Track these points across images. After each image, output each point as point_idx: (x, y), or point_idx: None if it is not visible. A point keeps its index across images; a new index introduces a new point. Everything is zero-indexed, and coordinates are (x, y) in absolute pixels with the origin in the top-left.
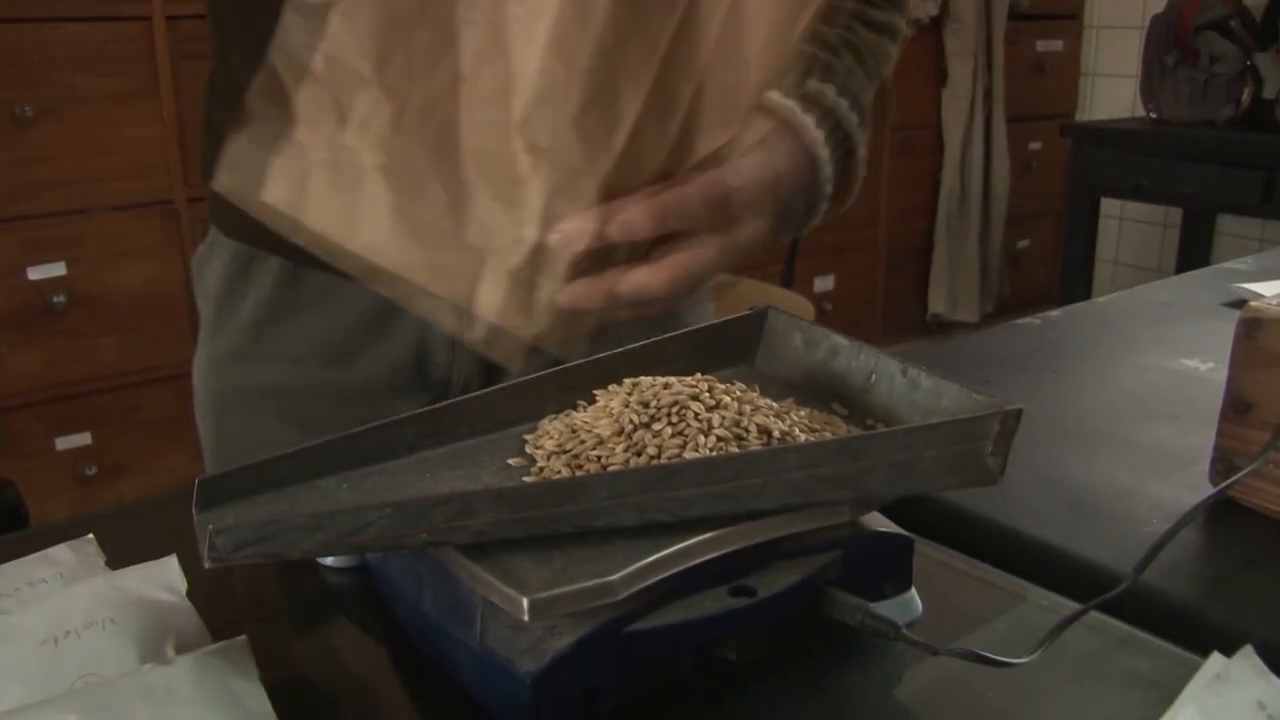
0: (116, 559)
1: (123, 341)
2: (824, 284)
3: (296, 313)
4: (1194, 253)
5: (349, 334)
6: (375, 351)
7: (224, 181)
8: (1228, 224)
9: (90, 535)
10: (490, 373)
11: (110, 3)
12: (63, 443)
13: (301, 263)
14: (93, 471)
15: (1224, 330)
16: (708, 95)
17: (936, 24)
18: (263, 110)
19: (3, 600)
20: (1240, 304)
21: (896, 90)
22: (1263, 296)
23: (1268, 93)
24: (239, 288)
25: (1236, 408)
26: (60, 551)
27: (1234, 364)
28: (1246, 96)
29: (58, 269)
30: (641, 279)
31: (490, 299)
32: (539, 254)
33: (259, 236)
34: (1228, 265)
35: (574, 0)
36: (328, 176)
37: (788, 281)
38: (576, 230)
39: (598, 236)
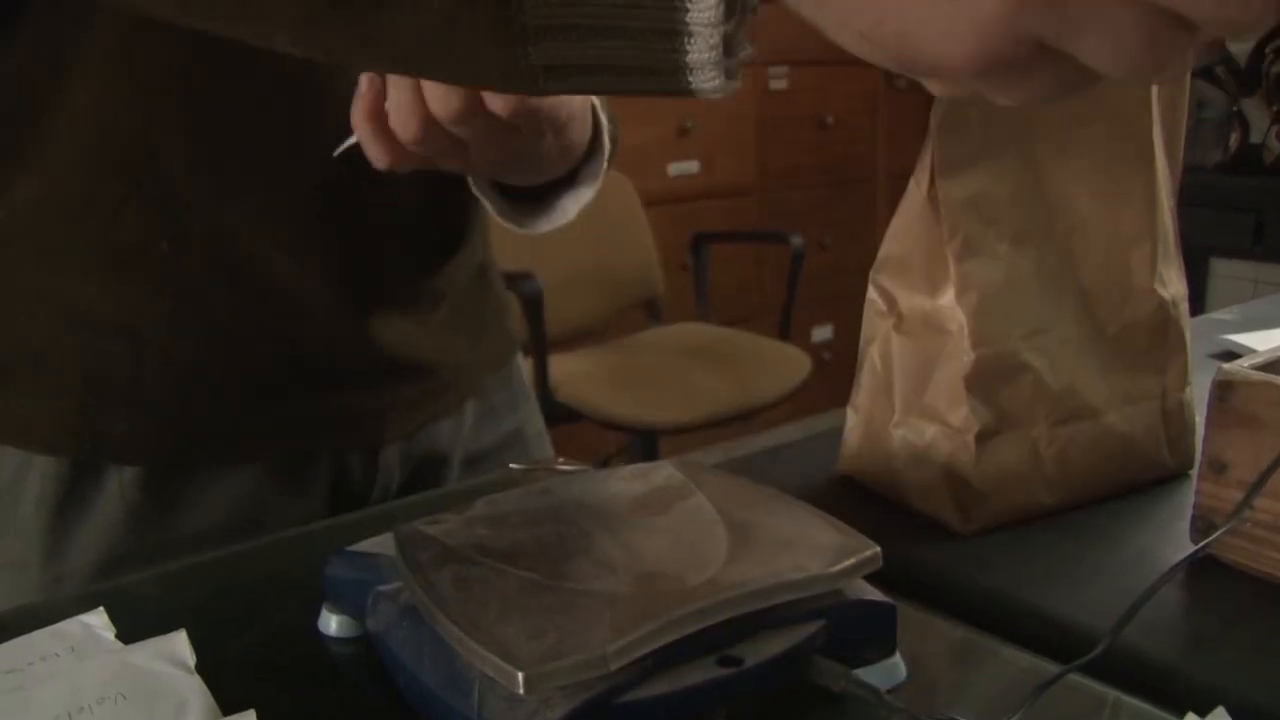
0: (126, 632)
1: None
2: (822, 334)
3: (177, 505)
4: (1190, 297)
5: (250, 506)
6: (284, 513)
7: None
8: (1221, 267)
9: (100, 608)
10: (417, 470)
11: None
12: None
13: (166, 462)
14: None
15: (1209, 384)
16: None
17: None
18: None
19: (16, 675)
20: (1227, 355)
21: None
22: (1253, 350)
23: (1255, 137)
24: (74, 508)
25: (1213, 467)
26: (71, 625)
27: (1209, 425)
28: (1235, 141)
29: None
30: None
31: None
32: None
33: (102, 446)
34: (1213, 316)
35: None
36: None
37: (784, 333)
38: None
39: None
